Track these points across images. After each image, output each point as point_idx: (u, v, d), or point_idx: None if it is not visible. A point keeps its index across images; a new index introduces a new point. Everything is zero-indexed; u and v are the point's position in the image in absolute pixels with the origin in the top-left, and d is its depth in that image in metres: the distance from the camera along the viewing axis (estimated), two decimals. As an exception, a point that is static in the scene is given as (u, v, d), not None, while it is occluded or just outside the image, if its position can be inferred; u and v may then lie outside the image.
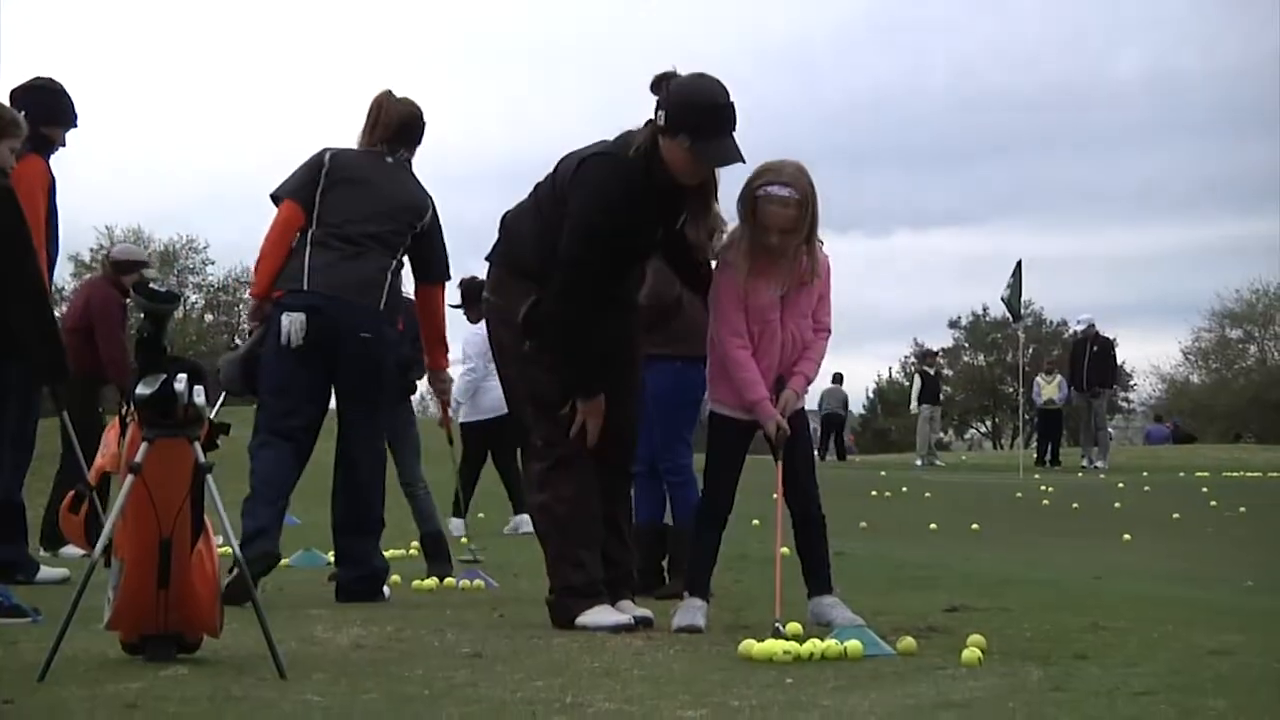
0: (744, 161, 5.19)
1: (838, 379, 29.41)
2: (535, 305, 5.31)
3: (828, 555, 5.51)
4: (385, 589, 6.68)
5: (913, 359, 64.37)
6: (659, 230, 5.36)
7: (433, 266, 6.79)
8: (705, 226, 5.42)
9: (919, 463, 24.88)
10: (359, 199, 6.51)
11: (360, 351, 6.40)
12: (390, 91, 6.77)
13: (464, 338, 11.81)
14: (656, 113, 5.16)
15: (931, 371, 26.25)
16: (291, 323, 6.34)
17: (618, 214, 5.18)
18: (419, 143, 6.83)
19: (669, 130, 5.12)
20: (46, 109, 7.01)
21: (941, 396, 26.94)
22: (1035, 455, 24.28)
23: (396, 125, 6.68)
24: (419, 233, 6.61)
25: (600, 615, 5.27)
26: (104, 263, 10.68)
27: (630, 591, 5.47)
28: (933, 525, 13.22)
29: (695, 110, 5.11)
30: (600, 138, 5.38)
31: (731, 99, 5.18)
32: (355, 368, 6.43)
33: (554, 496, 5.38)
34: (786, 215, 5.22)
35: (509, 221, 5.54)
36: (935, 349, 32.33)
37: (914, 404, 25.88)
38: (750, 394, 5.31)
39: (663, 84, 5.18)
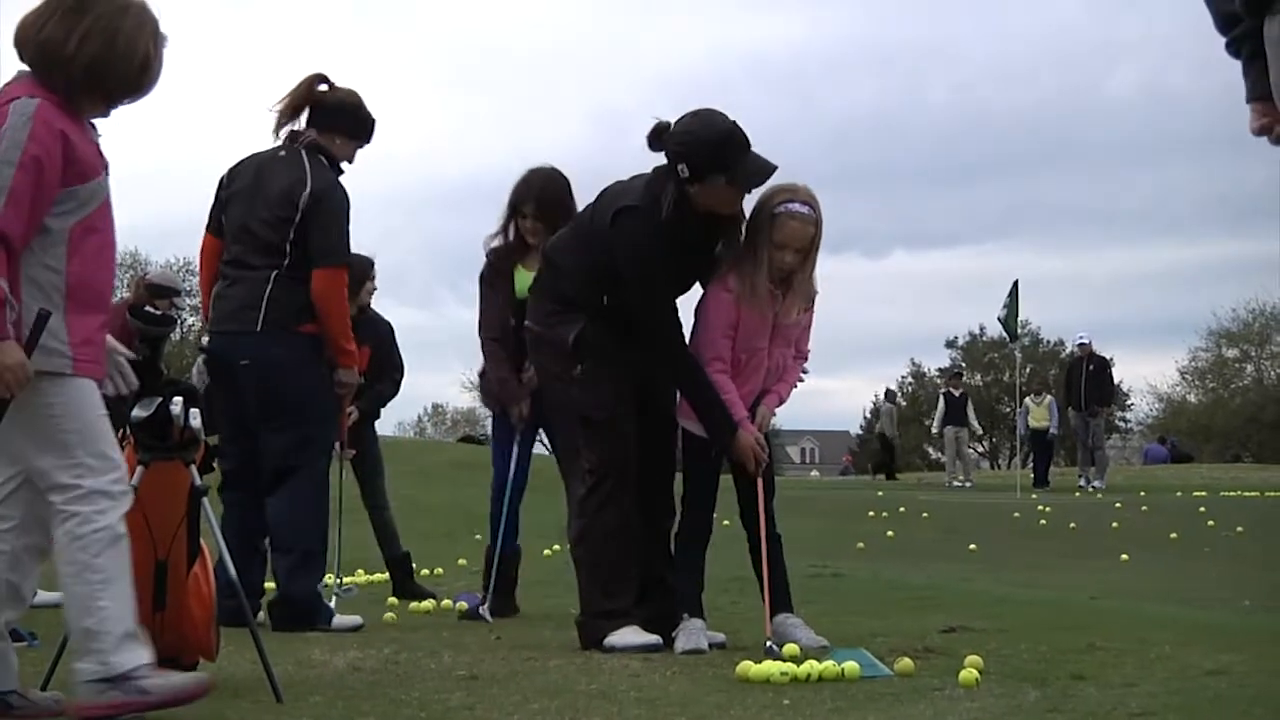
0: (776, 167, 5.25)
1: (890, 396, 29.85)
2: (583, 332, 5.40)
3: (785, 574, 5.56)
4: (348, 620, 6.37)
5: (910, 378, 64.60)
6: (692, 274, 5.45)
7: (313, 252, 6.20)
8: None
9: (956, 483, 24.87)
10: (237, 211, 6.29)
11: (244, 380, 6.19)
12: (318, 77, 6.44)
13: None
14: (676, 166, 5.23)
15: (956, 393, 26.22)
16: (197, 369, 6.34)
17: (655, 264, 5.30)
18: (347, 131, 6.40)
19: (698, 178, 5.21)
20: None
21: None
22: (1033, 477, 24.16)
23: (295, 106, 6.38)
24: (301, 220, 6.18)
25: (628, 636, 5.30)
26: (137, 285, 10.60)
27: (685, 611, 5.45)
28: (932, 545, 13.20)
29: (715, 149, 5.18)
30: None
31: (732, 118, 5.25)
32: (244, 398, 6.21)
33: (593, 525, 5.43)
34: (806, 233, 5.31)
35: (552, 255, 5.63)
36: (960, 370, 32.26)
37: (935, 426, 25.88)
38: (735, 417, 5.35)
39: (662, 137, 5.27)
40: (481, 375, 7.16)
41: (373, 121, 6.55)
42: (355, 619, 6.36)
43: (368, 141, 6.57)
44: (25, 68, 3.83)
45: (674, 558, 5.53)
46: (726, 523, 5.76)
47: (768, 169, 5.25)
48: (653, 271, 5.31)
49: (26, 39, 3.80)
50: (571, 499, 5.55)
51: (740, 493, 5.52)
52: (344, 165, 6.46)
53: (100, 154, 3.86)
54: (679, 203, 5.27)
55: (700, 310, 5.45)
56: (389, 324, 8.65)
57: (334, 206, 6.26)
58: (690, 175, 5.21)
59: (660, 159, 5.35)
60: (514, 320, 6.82)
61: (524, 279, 6.89)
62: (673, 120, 5.30)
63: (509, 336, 6.81)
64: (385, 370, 8.67)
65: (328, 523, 6.44)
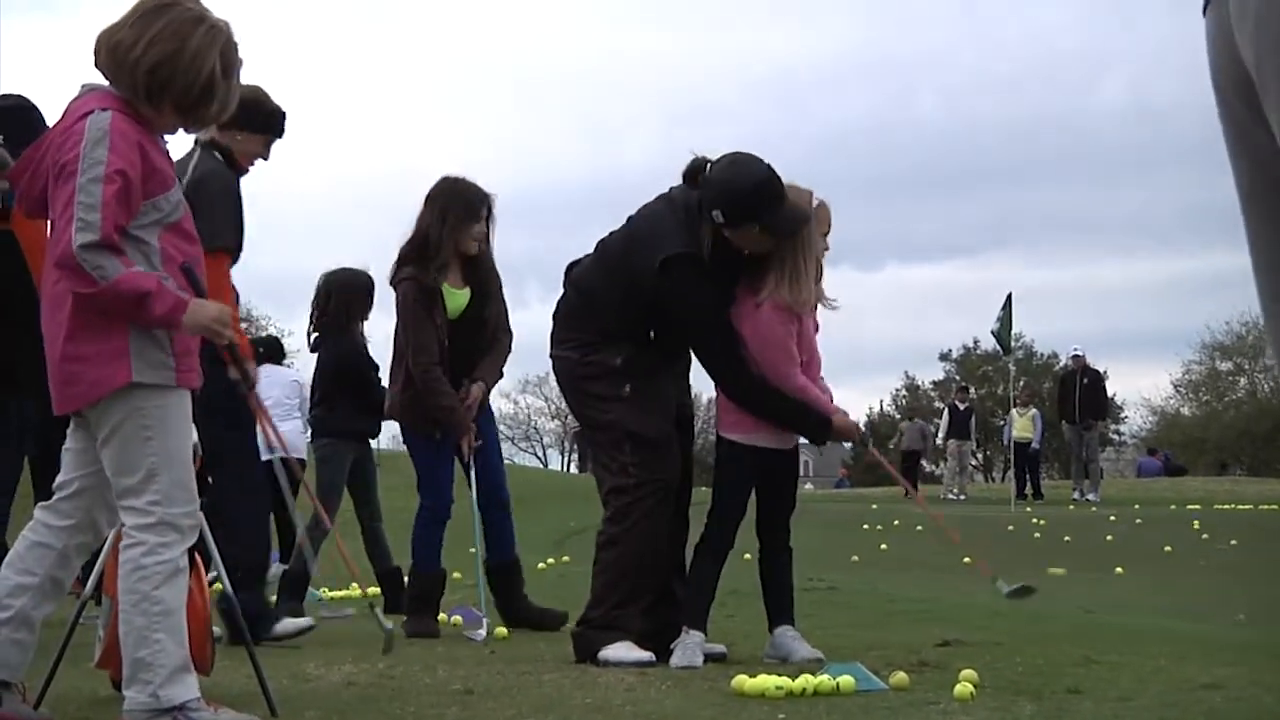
0: (809, 218, 5.34)
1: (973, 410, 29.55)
2: (631, 356, 5.44)
3: (791, 587, 5.59)
4: (296, 623, 6.32)
5: (904, 392, 64.67)
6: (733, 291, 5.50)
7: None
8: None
9: (950, 496, 24.86)
10: None
11: None
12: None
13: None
14: (710, 211, 5.28)
15: (962, 406, 26.22)
16: None
17: (712, 306, 5.38)
18: (246, 125, 6.17)
19: (732, 224, 5.27)
20: (22, 128, 6.90)
21: (973, 431, 26.64)
22: (1015, 489, 24.04)
23: None
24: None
25: (621, 651, 5.29)
26: None
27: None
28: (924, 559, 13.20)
29: (748, 198, 5.24)
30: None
31: (767, 164, 5.31)
32: None
33: (630, 535, 5.41)
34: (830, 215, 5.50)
35: (581, 285, 5.63)
36: (966, 385, 32.24)
37: (939, 438, 26.04)
38: (827, 409, 5.42)
39: (698, 178, 5.34)
40: (410, 398, 6.92)
41: (278, 113, 6.38)
42: (305, 620, 6.31)
43: (277, 135, 6.40)
44: (98, 80, 3.85)
45: (690, 569, 5.53)
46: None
47: (802, 217, 5.31)
48: (714, 316, 5.38)
49: (100, 44, 3.83)
50: (608, 505, 5.50)
51: (761, 504, 5.56)
52: (258, 161, 6.31)
53: (172, 164, 3.88)
54: (718, 242, 5.33)
55: (757, 333, 5.39)
56: (349, 344, 8.41)
57: (215, 189, 6.06)
58: (725, 221, 5.28)
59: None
60: (447, 341, 6.81)
61: (455, 299, 6.87)
62: (707, 155, 5.37)
63: (446, 360, 6.81)
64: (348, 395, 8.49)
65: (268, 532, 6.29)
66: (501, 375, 7.14)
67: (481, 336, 6.92)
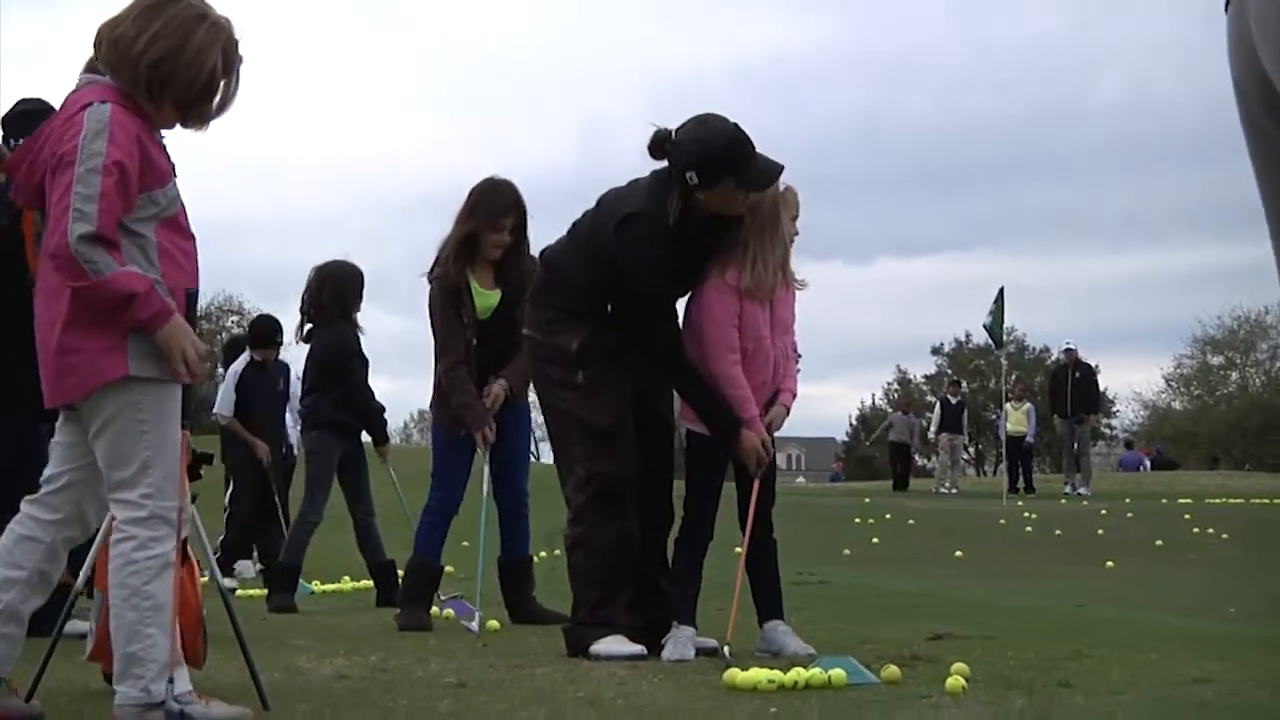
0: (783, 167, 5.29)
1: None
2: (587, 341, 5.41)
3: (778, 580, 5.58)
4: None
5: (896, 386, 64.74)
6: (692, 276, 5.45)
7: None
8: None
9: (943, 490, 24.87)
10: None
11: None
12: None
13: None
14: (684, 174, 5.23)
15: (954, 400, 26.25)
16: None
17: (661, 270, 5.31)
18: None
19: (707, 183, 5.21)
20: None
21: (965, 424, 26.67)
22: (1006, 483, 24.06)
23: None
24: None
25: (613, 645, 5.29)
26: None
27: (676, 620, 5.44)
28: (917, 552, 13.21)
29: (722, 154, 5.20)
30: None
31: (734, 121, 5.28)
32: None
33: (592, 534, 5.41)
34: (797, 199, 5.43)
35: (552, 263, 5.61)
36: (959, 378, 32.19)
37: (931, 431, 26.07)
38: (744, 411, 5.32)
39: (665, 146, 5.28)
40: (441, 401, 7.00)
41: None
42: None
43: None
44: (96, 73, 3.84)
45: (672, 563, 5.53)
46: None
47: (775, 169, 5.27)
48: (660, 278, 5.33)
49: (102, 37, 3.82)
50: (569, 504, 5.53)
51: (741, 495, 5.54)
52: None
53: (169, 158, 3.86)
54: (685, 207, 5.28)
55: (700, 308, 5.40)
56: (340, 335, 8.43)
57: None
58: (700, 182, 5.22)
59: (654, 163, 5.37)
60: (475, 340, 6.81)
61: (485, 298, 6.85)
62: (670, 127, 5.30)
63: (472, 358, 6.81)
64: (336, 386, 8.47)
65: None
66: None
67: (512, 337, 6.87)
